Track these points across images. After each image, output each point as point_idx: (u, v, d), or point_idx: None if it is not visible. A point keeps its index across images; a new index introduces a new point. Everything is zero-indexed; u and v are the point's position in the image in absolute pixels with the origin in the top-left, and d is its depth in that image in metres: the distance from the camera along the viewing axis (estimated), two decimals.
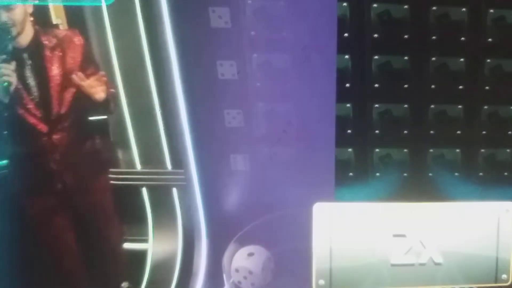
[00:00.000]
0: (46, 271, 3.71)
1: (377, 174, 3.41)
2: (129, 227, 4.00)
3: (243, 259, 3.35)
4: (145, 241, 3.95)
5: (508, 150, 3.44)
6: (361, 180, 3.40)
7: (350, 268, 2.76)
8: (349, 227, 2.75)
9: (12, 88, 3.35)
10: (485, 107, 3.31)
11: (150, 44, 3.48)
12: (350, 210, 2.75)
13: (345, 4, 3.13)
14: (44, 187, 3.64)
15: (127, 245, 4.00)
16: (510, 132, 3.40)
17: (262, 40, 3.14)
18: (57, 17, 3.57)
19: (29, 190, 3.59)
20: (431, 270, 2.77)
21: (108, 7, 3.39)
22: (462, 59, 3.21)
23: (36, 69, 3.47)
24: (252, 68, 3.20)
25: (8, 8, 3.30)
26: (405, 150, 3.37)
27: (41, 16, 3.50)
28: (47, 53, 3.48)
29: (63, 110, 3.53)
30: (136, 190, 3.88)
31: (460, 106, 3.30)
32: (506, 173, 3.44)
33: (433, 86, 3.25)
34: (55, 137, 3.55)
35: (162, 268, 3.91)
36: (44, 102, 3.49)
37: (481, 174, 3.43)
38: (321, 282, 2.76)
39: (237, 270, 3.33)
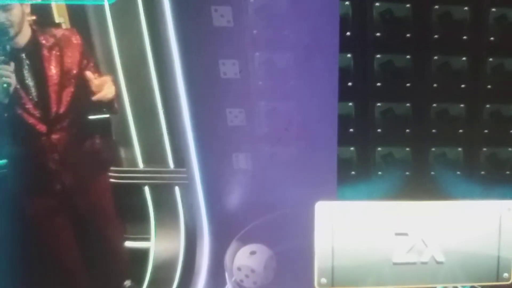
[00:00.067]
0: (46, 271, 3.72)
1: (379, 172, 3.41)
2: (131, 226, 4.01)
3: (245, 258, 3.35)
4: (147, 239, 3.95)
5: (510, 149, 3.44)
6: (363, 179, 3.40)
7: (352, 266, 2.76)
8: (351, 226, 2.75)
9: (11, 89, 3.35)
10: (487, 106, 3.31)
11: (153, 43, 3.48)
12: (352, 209, 2.75)
13: (347, 3, 3.13)
14: (43, 187, 3.64)
15: (129, 244, 4.00)
16: None
17: (264, 39, 3.14)
18: (59, 15, 3.57)
19: (28, 190, 3.60)
20: (433, 268, 2.77)
21: (110, 5, 3.39)
22: (464, 58, 3.21)
23: (34, 69, 3.47)
24: (254, 67, 3.20)
25: (5, 8, 3.30)
26: (407, 149, 3.37)
27: (43, 15, 3.51)
28: (45, 52, 3.48)
29: (62, 110, 3.53)
30: (138, 189, 3.88)
31: (462, 105, 3.30)
32: (508, 172, 3.45)
33: (435, 85, 3.26)
34: (54, 137, 3.55)
35: (164, 267, 3.91)
36: (42, 102, 3.49)
37: (483, 172, 3.44)
38: (323, 280, 2.76)
39: (239, 269, 3.33)
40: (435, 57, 3.21)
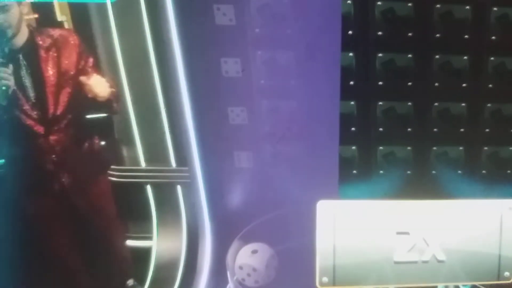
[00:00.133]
0: (45, 273, 3.71)
1: (381, 171, 3.41)
2: (133, 225, 4.00)
3: (247, 257, 3.35)
4: (149, 238, 3.95)
5: (511, 148, 3.43)
6: (365, 178, 3.40)
7: (354, 265, 2.76)
8: (352, 225, 2.74)
9: (10, 91, 3.35)
10: (489, 105, 3.31)
11: (155, 41, 3.47)
12: (354, 208, 2.75)
13: (349, 1, 3.13)
14: (42, 188, 3.63)
15: (131, 243, 4.00)
16: None
17: (267, 37, 3.14)
18: (61, 14, 3.57)
19: (27, 191, 3.57)
20: (434, 267, 2.76)
21: (112, 4, 3.39)
22: (465, 57, 3.21)
23: (32, 70, 3.45)
24: (256, 65, 3.20)
25: (3, 9, 3.29)
26: (409, 148, 3.37)
27: (45, 13, 3.51)
28: (42, 53, 3.46)
29: (59, 111, 3.51)
30: (140, 188, 3.88)
31: (463, 104, 3.30)
32: (509, 171, 3.45)
33: (436, 84, 3.26)
34: (52, 138, 3.54)
35: (166, 266, 3.91)
36: (40, 103, 3.47)
37: (484, 171, 3.43)
38: (325, 279, 2.76)
39: (241, 268, 3.33)
40: (437, 56, 3.21)
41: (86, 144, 3.71)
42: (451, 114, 3.31)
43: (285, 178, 3.40)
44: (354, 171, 3.42)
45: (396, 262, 2.76)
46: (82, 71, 3.52)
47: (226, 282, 3.39)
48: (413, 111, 3.30)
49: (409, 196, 2.89)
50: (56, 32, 3.50)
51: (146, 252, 3.95)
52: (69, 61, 3.49)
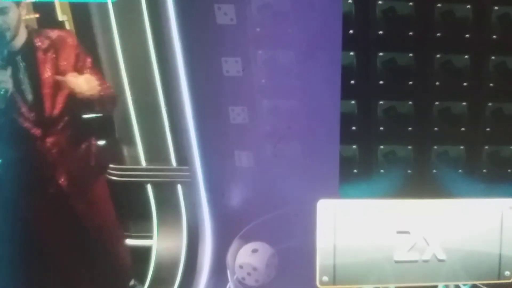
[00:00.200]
0: (45, 275, 3.72)
1: (381, 171, 3.41)
2: (133, 224, 4.01)
3: (247, 256, 3.36)
4: (150, 237, 3.95)
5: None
6: (366, 177, 3.40)
7: (354, 264, 2.75)
8: (353, 224, 2.74)
9: (8, 94, 3.34)
10: (489, 104, 3.30)
11: (156, 40, 3.48)
12: (354, 207, 2.75)
13: (350, 1, 3.13)
14: (41, 190, 3.62)
15: (131, 242, 4.01)
16: None
17: (267, 36, 3.14)
18: (63, 13, 3.57)
19: (26, 194, 3.56)
20: (434, 266, 2.76)
21: (113, 4, 3.40)
22: (466, 56, 3.20)
23: (29, 71, 3.44)
24: (257, 64, 3.21)
25: (3, 12, 3.29)
26: (409, 147, 3.37)
27: (46, 13, 3.51)
28: (40, 55, 3.45)
29: (57, 113, 3.50)
30: (141, 187, 3.89)
31: (464, 103, 3.29)
32: (509, 170, 3.44)
33: (437, 83, 3.25)
34: (50, 140, 3.54)
35: (166, 265, 3.92)
36: (37, 105, 3.47)
37: (484, 171, 3.43)
38: (325, 278, 2.75)
39: (241, 267, 3.34)
40: (438, 55, 3.20)
41: (84, 145, 3.70)
42: (451, 113, 3.30)
43: (285, 177, 3.40)
44: (355, 170, 3.42)
45: (396, 261, 2.76)
46: (80, 72, 3.51)
47: (226, 281, 3.40)
48: (413, 110, 3.30)
49: (409, 195, 2.88)
50: (54, 34, 3.49)
51: (146, 251, 3.96)
52: (67, 62, 3.48)
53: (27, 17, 3.47)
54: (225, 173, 3.50)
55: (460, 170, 3.40)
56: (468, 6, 3.13)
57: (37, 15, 3.53)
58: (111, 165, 3.83)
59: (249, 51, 3.19)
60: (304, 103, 3.25)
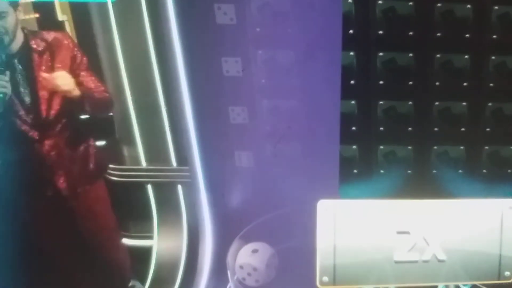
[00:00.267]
0: (44, 276, 3.71)
1: (381, 171, 3.41)
2: (134, 224, 4.01)
3: (247, 256, 3.36)
4: (150, 238, 3.95)
5: None
6: (366, 177, 3.40)
7: (354, 264, 2.75)
8: (353, 224, 2.74)
9: (7, 98, 3.34)
10: (489, 104, 3.30)
11: (156, 40, 3.47)
12: (354, 207, 2.74)
13: (350, 0, 3.13)
14: (39, 192, 3.61)
15: (132, 242, 4.01)
16: None
17: (267, 36, 3.15)
18: (62, 13, 3.57)
19: (25, 196, 3.55)
20: (434, 267, 2.76)
21: (113, 3, 3.39)
22: (466, 56, 3.20)
23: (26, 74, 3.43)
24: (257, 64, 3.21)
25: (1, 16, 3.28)
26: (409, 147, 3.37)
27: (46, 12, 3.51)
28: (36, 57, 3.42)
29: (54, 115, 3.50)
30: (141, 187, 3.88)
31: (464, 103, 3.29)
32: (510, 170, 3.44)
33: (437, 83, 3.25)
34: (48, 142, 3.53)
35: (167, 265, 3.92)
36: (34, 107, 3.46)
37: (485, 171, 3.43)
38: (325, 278, 2.75)
39: (241, 267, 3.34)
40: (438, 55, 3.20)
41: (83, 147, 3.70)
42: (452, 114, 3.30)
43: (285, 177, 3.40)
44: (355, 171, 3.42)
45: (396, 262, 2.76)
46: (76, 74, 3.50)
47: (227, 282, 3.40)
48: (413, 110, 3.30)
49: (409, 196, 2.89)
50: (50, 36, 3.47)
51: (146, 251, 3.96)
52: (63, 64, 3.46)
53: (27, 17, 3.47)
54: (225, 173, 3.50)
55: (460, 170, 3.40)
56: (468, 6, 3.13)
57: (37, 15, 3.53)
58: (111, 166, 3.82)
59: (249, 51, 3.19)
60: (304, 103, 3.25)
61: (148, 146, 3.77)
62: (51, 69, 3.43)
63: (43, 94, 3.44)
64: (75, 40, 3.55)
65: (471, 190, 3.31)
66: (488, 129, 3.35)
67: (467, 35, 3.17)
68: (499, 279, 2.78)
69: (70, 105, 3.47)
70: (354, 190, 3.32)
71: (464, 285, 2.95)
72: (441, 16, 3.13)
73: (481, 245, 2.74)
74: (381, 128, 3.33)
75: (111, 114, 3.75)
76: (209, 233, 3.61)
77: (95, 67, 3.58)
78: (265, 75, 3.23)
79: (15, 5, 3.31)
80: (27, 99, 3.44)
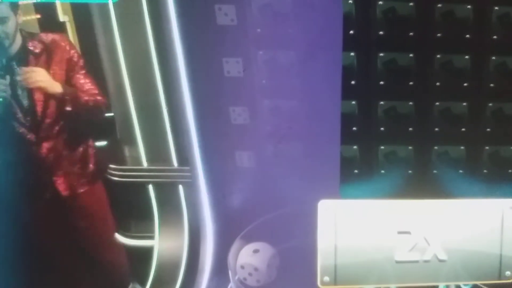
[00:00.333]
0: (44, 278, 3.72)
1: (382, 171, 3.41)
2: (135, 224, 4.01)
3: (248, 256, 3.36)
4: (151, 238, 3.95)
5: None
6: (366, 177, 3.40)
7: (355, 264, 2.75)
8: (354, 224, 2.74)
9: (6, 102, 3.34)
10: (490, 104, 3.30)
11: (157, 41, 3.47)
12: (355, 207, 2.74)
13: (350, 1, 3.13)
14: (38, 195, 3.62)
15: (133, 242, 4.01)
16: None
17: (268, 37, 3.15)
18: (64, 14, 3.57)
19: (23, 198, 3.56)
20: (435, 267, 2.76)
21: (114, 4, 3.39)
22: (467, 57, 3.20)
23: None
24: (257, 65, 3.21)
25: (1, 22, 3.28)
26: (410, 148, 3.37)
27: (47, 13, 3.52)
28: (33, 60, 3.44)
29: (52, 117, 3.50)
30: (142, 187, 3.88)
31: (464, 104, 3.29)
32: (510, 170, 3.44)
33: (438, 84, 3.25)
34: (46, 144, 3.53)
35: (168, 265, 3.92)
36: (32, 110, 3.47)
37: (485, 171, 3.43)
38: (326, 278, 2.75)
39: (242, 267, 3.33)
40: (438, 56, 3.20)
41: (82, 149, 3.70)
42: (452, 114, 3.30)
43: (286, 177, 3.41)
44: (355, 171, 3.42)
45: (397, 262, 2.76)
46: (70, 76, 3.50)
47: (228, 282, 3.40)
48: (414, 110, 3.30)
49: (410, 196, 2.88)
50: (48, 38, 3.48)
51: (147, 251, 3.96)
52: (60, 66, 3.47)
53: (28, 18, 3.47)
54: (226, 174, 3.50)
55: (460, 171, 3.40)
56: (469, 6, 3.13)
57: (38, 16, 3.53)
58: (112, 166, 3.82)
59: (250, 51, 3.19)
60: (305, 103, 3.25)
61: (149, 146, 3.77)
62: (48, 71, 3.43)
63: (40, 96, 3.44)
64: (76, 41, 3.56)
65: (471, 190, 3.31)
66: (488, 129, 3.35)
67: (468, 36, 3.17)
68: (499, 279, 2.78)
69: (63, 107, 3.47)
70: (355, 190, 3.32)
71: (465, 285, 2.95)
72: (441, 16, 3.13)
73: (482, 245, 2.74)
74: (382, 128, 3.33)
75: (112, 114, 3.75)
76: (210, 233, 3.61)
77: (96, 68, 3.59)
78: (266, 76, 3.23)
79: (15, 9, 3.31)
80: (25, 102, 3.44)
